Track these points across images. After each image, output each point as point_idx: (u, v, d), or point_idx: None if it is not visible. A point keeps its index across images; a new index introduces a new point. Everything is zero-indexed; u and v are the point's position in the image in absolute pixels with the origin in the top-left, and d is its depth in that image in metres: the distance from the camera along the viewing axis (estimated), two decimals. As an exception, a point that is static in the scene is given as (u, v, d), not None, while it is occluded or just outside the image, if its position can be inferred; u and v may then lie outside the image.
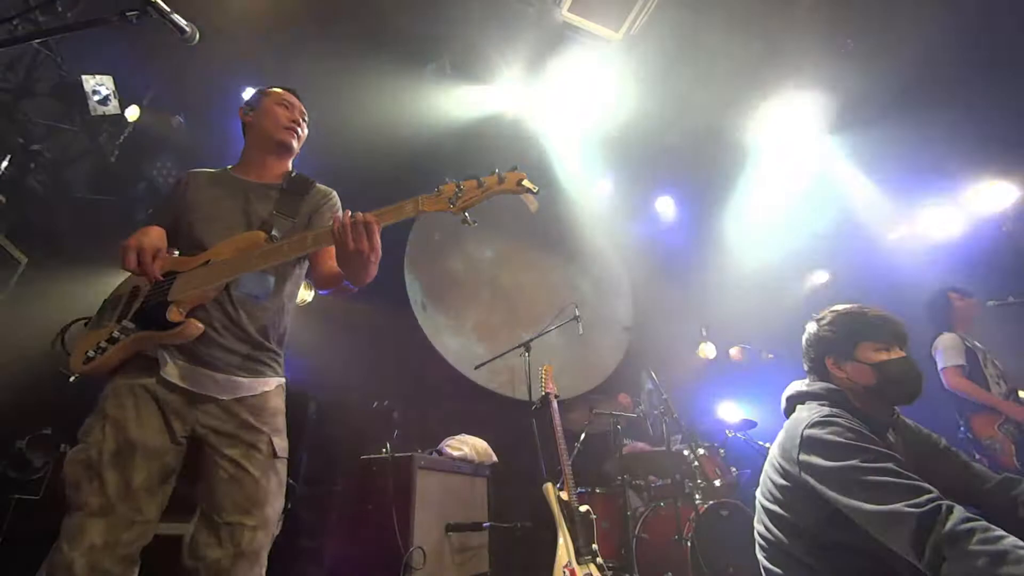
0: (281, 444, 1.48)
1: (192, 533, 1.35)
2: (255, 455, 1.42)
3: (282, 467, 1.48)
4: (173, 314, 1.40)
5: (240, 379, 1.46)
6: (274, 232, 1.58)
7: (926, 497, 1.14)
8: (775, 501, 1.43)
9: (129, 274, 1.54)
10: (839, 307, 1.60)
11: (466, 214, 1.32)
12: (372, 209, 1.39)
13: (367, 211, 1.37)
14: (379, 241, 1.35)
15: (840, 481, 1.25)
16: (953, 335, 3.38)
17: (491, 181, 1.34)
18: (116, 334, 1.42)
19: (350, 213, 1.35)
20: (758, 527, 1.49)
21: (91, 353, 1.41)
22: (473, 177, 1.34)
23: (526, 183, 1.33)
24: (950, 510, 1.10)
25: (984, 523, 1.06)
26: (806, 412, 1.45)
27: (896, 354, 1.49)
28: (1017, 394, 3.25)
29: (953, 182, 4.67)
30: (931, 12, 3.78)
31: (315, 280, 1.70)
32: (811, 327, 1.63)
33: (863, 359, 1.49)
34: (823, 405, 1.46)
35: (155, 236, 1.49)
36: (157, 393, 1.38)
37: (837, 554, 1.30)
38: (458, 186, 1.33)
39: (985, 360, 3.34)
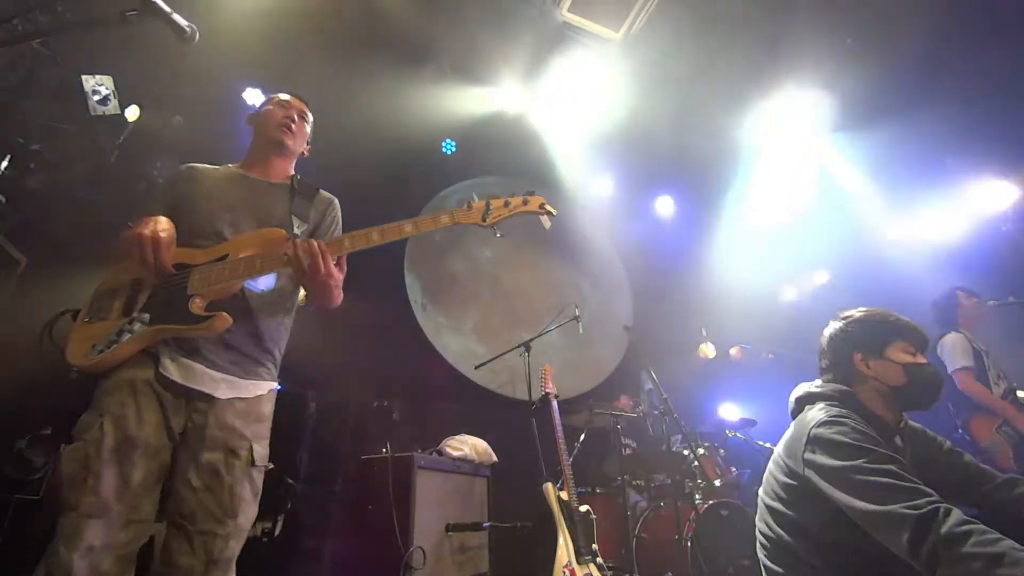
0: (261, 452, 1.46)
1: (164, 538, 1.33)
2: (233, 462, 1.40)
3: (259, 476, 1.45)
4: (196, 307, 1.38)
5: (237, 379, 1.45)
6: (295, 231, 1.60)
7: (925, 499, 1.14)
8: (779, 499, 1.43)
9: (117, 264, 1.50)
10: (866, 308, 1.61)
11: (494, 227, 1.52)
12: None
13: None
14: (332, 266, 1.43)
15: (842, 480, 1.26)
16: (960, 335, 3.35)
17: (516, 202, 1.54)
18: (128, 327, 1.37)
19: (302, 242, 1.41)
20: (760, 526, 1.50)
21: (99, 347, 1.35)
22: (500, 196, 1.53)
23: (547, 207, 1.55)
24: (948, 513, 1.10)
25: (981, 526, 1.07)
26: (814, 412, 1.46)
27: (921, 359, 1.52)
28: (1015, 393, 3.24)
29: (953, 182, 4.67)
30: (931, 11, 3.78)
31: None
32: (836, 324, 1.63)
33: (894, 358, 1.51)
34: (832, 406, 1.46)
35: (168, 228, 1.45)
36: (157, 389, 1.36)
37: (839, 553, 1.31)
38: (487, 204, 1.52)
39: (988, 360, 3.33)
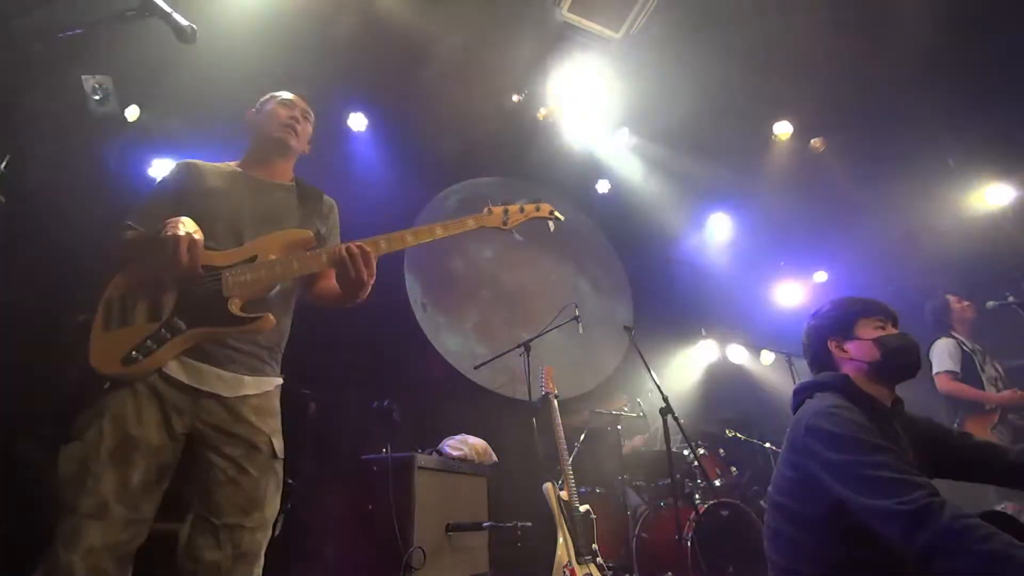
0: (279, 445, 1.48)
1: (188, 534, 1.33)
2: (256, 455, 1.41)
3: (280, 468, 1.47)
4: (236, 309, 1.39)
5: (245, 377, 1.45)
6: (321, 232, 1.63)
7: (918, 494, 1.14)
8: (784, 493, 1.45)
9: (125, 266, 1.46)
10: (829, 300, 1.69)
11: (513, 231, 1.71)
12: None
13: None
14: (375, 267, 1.50)
15: (839, 473, 1.28)
16: (949, 340, 3.41)
17: (530, 208, 1.73)
18: (165, 332, 1.35)
19: (347, 246, 1.48)
20: (768, 519, 1.52)
21: (135, 354, 1.32)
22: (516, 203, 1.73)
23: (556, 213, 1.77)
24: (942, 507, 1.11)
25: (976, 520, 1.07)
26: (812, 402, 1.48)
27: (892, 330, 1.56)
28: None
29: (953, 181, 4.67)
30: (931, 9, 3.78)
31: (312, 295, 1.70)
32: (809, 321, 1.69)
33: (863, 336, 1.55)
34: (830, 394, 1.48)
35: (197, 228, 1.42)
36: (158, 389, 1.35)
37: (846, 545, 1.31)
38: (505, 210, 1.70)
39: (984, 362, 3.35)
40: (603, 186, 5.67)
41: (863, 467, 1.24)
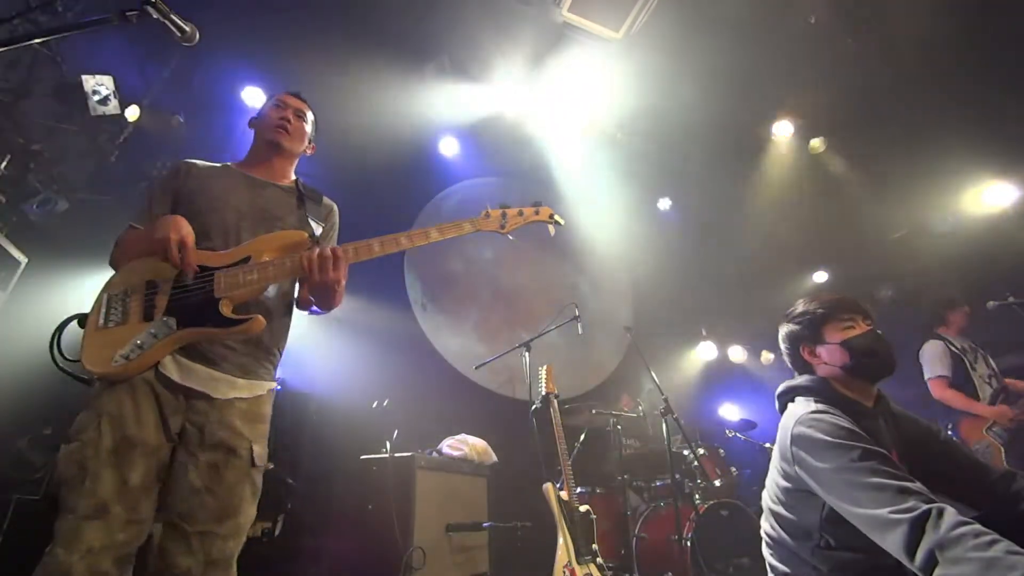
0: (260, 452, 1.45)
1: (159, 539, 1.31)
2: (235, 461, 1.39)
3: (258, 476, 1.45)
4: (227, 310, 1.38)
5: (238, 379, 1.44)
6: (316, 233, 1.62)
7: (914, 500, 1.12)
8: (779, 503, 1.43)
9: (123, 265, 1.47)
10: (803, 299, 1.65)
11: (510, 234, 1.68)
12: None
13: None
14: (344, 273, 1.47)
15: (830, 482, 1.26)
16: (937, 342, 3.41)
17: (529, 212, 1.70)
18: (155, 332, 1.35)
19: (318, 251, 1.44)
20: (764, 526, 1.50)
21: (124, 353, 1.32)
22: (514, 207, 1.69)
23: (556, 217, 1.73)
24: (940, 514, 1.08)
25: (975, 527, 1.05)
26: (795, 408, 1.47)
27: (862, 328, 1.52)
28: (1006, 390, 3.25)
29: (953, 181, 4.67)
30: (931, 9, 3.78)
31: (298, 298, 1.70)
32: (782, 327, 1.66)
33: (832, 340, 1.52)
34: (811, 399, 1.47)
35: (189, 229, 1.42)
36: (155, 388, 1.35)
37: (842, 554, 1.30)
38: (504, 213, 1.66)
39: (975, 361, 3.34)
40: (603, 185, 5.66)
41: (855, 472, 1.21)
